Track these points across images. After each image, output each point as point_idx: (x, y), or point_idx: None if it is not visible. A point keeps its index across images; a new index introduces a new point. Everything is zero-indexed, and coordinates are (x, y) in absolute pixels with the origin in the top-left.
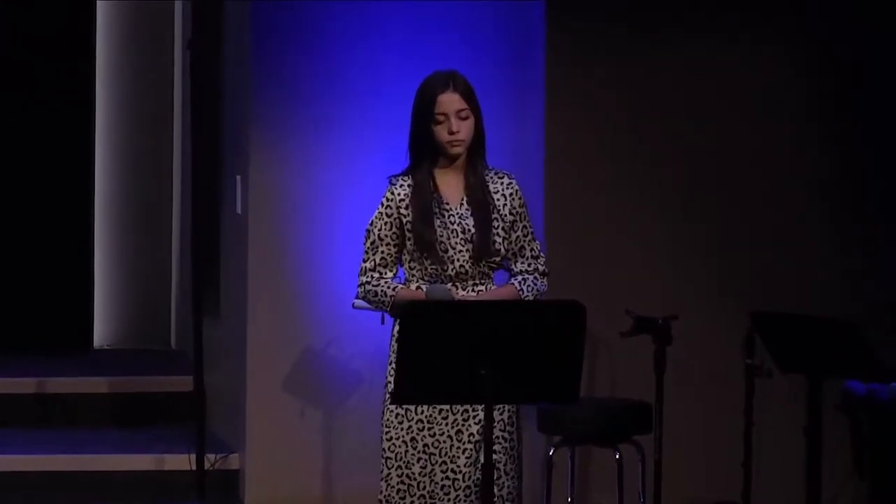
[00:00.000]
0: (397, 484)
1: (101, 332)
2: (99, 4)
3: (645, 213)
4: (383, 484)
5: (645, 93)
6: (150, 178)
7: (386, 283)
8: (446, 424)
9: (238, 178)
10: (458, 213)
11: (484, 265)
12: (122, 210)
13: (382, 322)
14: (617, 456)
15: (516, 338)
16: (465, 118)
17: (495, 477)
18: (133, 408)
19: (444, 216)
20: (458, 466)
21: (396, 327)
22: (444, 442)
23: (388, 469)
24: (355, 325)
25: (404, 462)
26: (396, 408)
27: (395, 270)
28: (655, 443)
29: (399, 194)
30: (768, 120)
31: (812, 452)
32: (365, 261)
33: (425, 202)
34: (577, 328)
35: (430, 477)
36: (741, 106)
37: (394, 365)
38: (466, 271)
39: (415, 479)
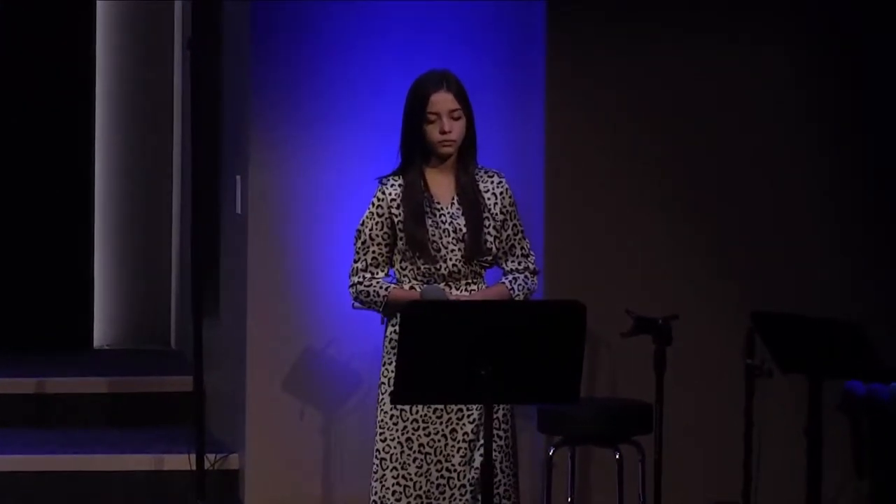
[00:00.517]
0: (392, 485)
1: (101, 332)
2: (99, 4)
3: (645, 213)
4: (377, 485)
5: (645, 93)
6: (150, 178)
7: (378, 283)
8: (440, 424)
9: (238, 178)
10: (449, 213)
11: (476, 264)
12: (122, 210)
13: (383, 322)
14: (617, 456)
15: (516, 338)
16: (457, 118)
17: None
18: (133, 408)
19: (435, 215)
20: (454, 465)
21: (390, 328)
22: (439, 441)
23: (383, 470)
24: (355, 325)
25: (400, 462)
26: (391, 408)
27: (386, 270)
28: (655, 443)
29: (390, 194)
30: (768, 120)
31: (812, 452)
32: (356, 261)
33: (417, 201)
34: (577, 328)
35: (426, 477)
36: (741, 106)
37: (388, 366)
38: (459, 270)
39: (411, 479)
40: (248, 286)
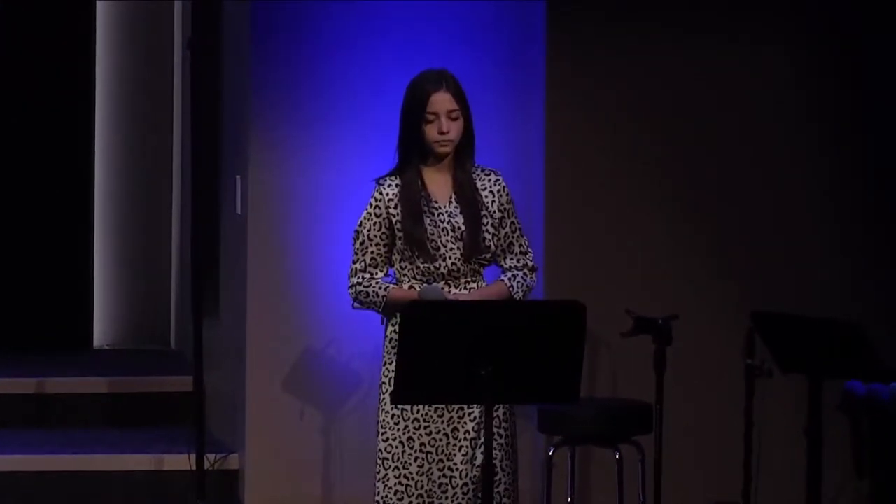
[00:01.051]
0: (395, 485)
1: (101, 332)
2: (99, 4)
3: (645, 213)
4: (380, 485)
5: (645, 93)
6: (150, 178)
7: (377, 283)
8: (442, 423)
9: (238, 178)
10: (447, 211)
11: (475, 262)
12: (122, 210)
13: (382, 322)
14: (617, 456)
15: (516, 338)
16: (455, 119)
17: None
18: (133, 408)
19: (433, 214)
20: (455, 464)
21: (390, 328)
22: (441, 440)
23: (385, 470)
24: (355, 325)
25: (401, 462)
26: (392, 408)
27: (385, 270)
28: (655, 443)
29: (387, 194)
30: (768, 120)
31: (812, 453)
32: (355, 262)
33: (414, 200)
34: (577, 328)
35: (427, 476)
36: (741, 106)
37: (388, 366)
38: (458, 269)
39: (412, 478)
40: (248, 286)
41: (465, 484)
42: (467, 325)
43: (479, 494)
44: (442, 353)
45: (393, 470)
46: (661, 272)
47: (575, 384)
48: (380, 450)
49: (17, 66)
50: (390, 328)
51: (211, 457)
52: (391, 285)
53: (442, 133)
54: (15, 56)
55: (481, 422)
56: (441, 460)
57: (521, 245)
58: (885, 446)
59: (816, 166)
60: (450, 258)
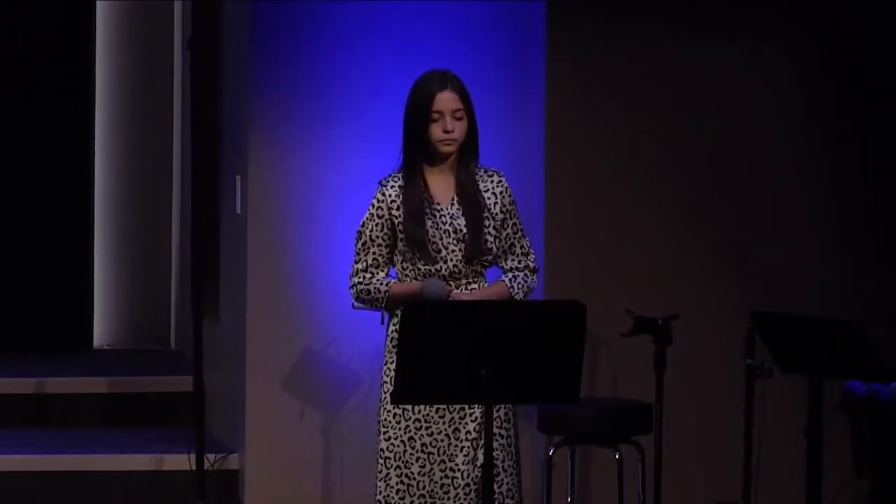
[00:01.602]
0: (396, 484)
1: (101, 332)
2: (99, 4)
3: (645, 212)
4: (382, 484)
5: (645, 93)
6: (150, 178)
7: (379, 280)
8: (443, 423)
9: (238, 178)
10: (449, 213)
11: (476, 264)
12: (123, 210)
13: (382, 322)
14: (617, 456)
15: (516, 338)
16: (460, 118)
17: (494, 474)
18: (132, 408)
19: (435, 216)
20: (457, 465)
21: (392, 327)
22: (442, 441)
23: (387, 469)
24: (355, 325)
25: (403, 462)
26: (394, 407)
27: (386, 271)
28: (655, 443)
29: (390, 195)
30: (768, 120)
31: (812, 453)
32: (356, 262)
33: (416, 202)
34: (577, 328)
35: (429, 476)
36: (741, 106)
37: (390, 365)
38: (460, 270)
39: (414, 478)
40: (248, 286)
41: (468, 485)
42: (468, 325)
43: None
44: (442, 353)
45: (395, 469)
46: (661, 272)
47: (575, 384)
48: (381, 449)
49: (17, 66)
50: (391, 327)
51: (211, 457)
52: (392, 281)
53: (446, 132)
54: (15, 56)
55: (483, 422)
56: (443, 461)
57: (522, 246)
58: (885, 446)
59: (816, 166)
60: (451, 260)
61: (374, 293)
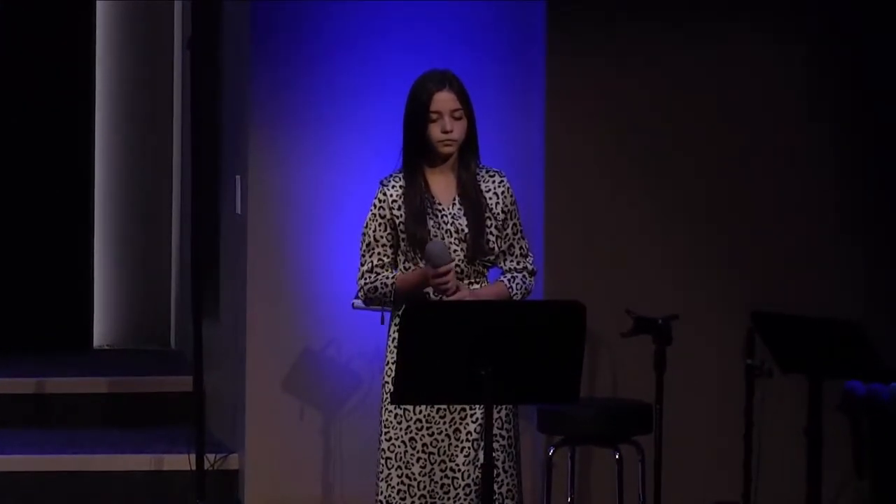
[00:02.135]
0: (397, 484)
1: (101, 332)
2: (99, 4)
3: (645, 212)
4: (383, 484)
5: (645, 93)
6: (150, 178)
7: (384, 276)
8: (444, 424)
9: (238, 178)
10: (450, 213)
11: (478, 264)
12: (122, 210)
13: (382, 322)
14: (617, 456)
15: (516, 338)
16: (459, 118)
17: (494, 475)
18: (132, 408)
19: (436, 216)
20: (457, 465)
21: (393, 328)
22: (443, 441)
23: (388, 469)
24: (355, 325)
25: (404, 462)
26: (395, 408)
27: (391, 272)
28: (655, 443)
29: (391, 195)
30: (768, 120)
31: (812, 453)
32: (362, 264)
33: (417, 201)
34: (577, 328)
35: (429, 476)
36: (741, 106)
37: (391, 365)
38: (462, 270)
39: (415, 478)
40: (248, 286)
41: (468, 485)
42: (468, 325)
43: None
44: (442, 353)
45: (396, 469)
46: (661, 272)
47: (575, 384)
48: (382, 449)
49: (17, 66)
50: (393, 327)
51: (211, 457)
52: (397, 273)
53: (445, 132)
54: (15, 56)
55: (483, 423)
56: (443, 461)
57: (521, 248)
58: (885, 446)
59: (816, 166)
60: (453, 260)
61: (382, 288)
